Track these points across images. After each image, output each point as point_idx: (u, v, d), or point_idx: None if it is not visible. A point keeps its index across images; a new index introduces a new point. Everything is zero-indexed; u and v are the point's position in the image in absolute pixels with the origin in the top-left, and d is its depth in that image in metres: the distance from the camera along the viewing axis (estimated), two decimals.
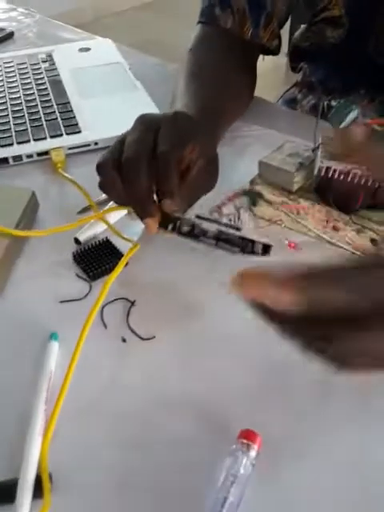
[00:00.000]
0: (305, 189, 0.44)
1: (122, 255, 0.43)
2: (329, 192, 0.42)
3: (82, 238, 0.45)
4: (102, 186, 0.39)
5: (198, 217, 0.38)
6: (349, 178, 0.39)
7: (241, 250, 0.35)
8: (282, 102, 0.75)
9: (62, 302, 0.40)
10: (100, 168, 0.39)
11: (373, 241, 0.42)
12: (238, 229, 0.36)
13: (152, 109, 0.60)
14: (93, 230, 0.46)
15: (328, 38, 0.60)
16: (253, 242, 0.35)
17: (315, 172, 0.41)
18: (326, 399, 0.34)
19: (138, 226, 0.47)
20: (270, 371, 0.36)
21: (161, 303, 0.40)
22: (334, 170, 0.40)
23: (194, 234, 0.37)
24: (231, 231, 0.36)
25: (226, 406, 0.34)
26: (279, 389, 0.35)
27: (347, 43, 0.59)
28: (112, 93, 0.64)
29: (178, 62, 0.63)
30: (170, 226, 0.38)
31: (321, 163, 0.40)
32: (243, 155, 0.53)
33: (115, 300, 0.40)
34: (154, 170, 0.37)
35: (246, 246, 0.35)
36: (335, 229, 0.44)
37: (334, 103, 0.41)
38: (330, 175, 0.40)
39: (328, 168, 0.40)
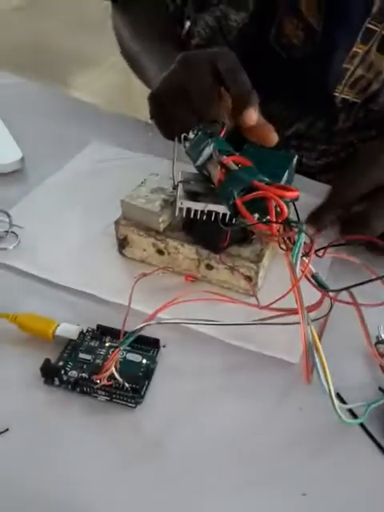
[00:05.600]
0: (173, 226, 0.41)
1: None
2: (194, 232, 0.39)
3: None
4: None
5: None
6: (212, 218, 0.36)
7: None
8: None
9: None
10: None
11: (247, 278, 0.40)
12: None
13: (13, 149, 0.52)
14: None
15: (231, 21, 0.56)
16: None
17: (176, 213, 0.37)
18: None
19: None
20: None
21: None
22: (196, 211, 0.36)
23: None
24: None
25: None
26: None
27: (249, 30, 0.56)
28: None
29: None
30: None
31: (180, 204, 0.36)
32: (103, 188, 0.49)
33: None
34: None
35: None
36: (209, 267, 0.41)
37: (191, 135, 0.38)
38: (192, 215, 0.37)
39: (188, 209, 0.36)
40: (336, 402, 0.29)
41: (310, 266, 0.31)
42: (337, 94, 0.56)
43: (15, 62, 1.32)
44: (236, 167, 0.34)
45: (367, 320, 0.37)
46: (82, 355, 0.35)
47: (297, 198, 0.33)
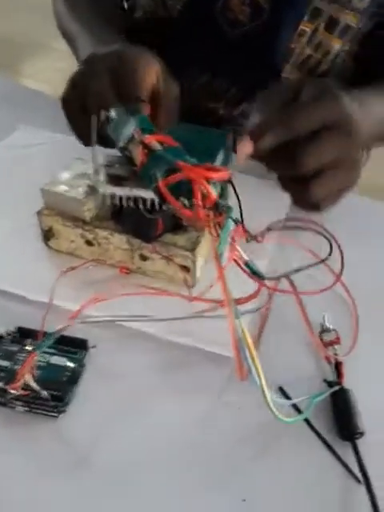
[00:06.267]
0: (102, 215, 0.37)
1: None
2: (123, 220, 0.36)
3: None
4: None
5: None
6: (140, 205, 0.33)
7: None
8: None
9: None
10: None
11: (183, 267, 0.37)
12: None
13: None
14: None
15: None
16: None
17: (101, 200, 0.34)
18: None
19: None
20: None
21: None
22: (121, 197, 0.33)
23: None
24: None
25: None
26: None
27: (195, 4, 0.53)
28: None
29: None
30: None
31: (102, 190, 0.33)
32: (30, 175, 0.44)
33: None
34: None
35: None
36: (143, 258, 0.38)
37: (113, 114, 0.34)
38: (118, 202, 0.33)
39: (113, 195, 0.33)
40: (272, 397, 0.27)
41: (241, 251, 0.28)
42: (284, 75, 0.54)
43: None
44: (160, 147, 0.31)
45: (314, 307, 0.35)
46: None
47: (227, 179, 0.31)
